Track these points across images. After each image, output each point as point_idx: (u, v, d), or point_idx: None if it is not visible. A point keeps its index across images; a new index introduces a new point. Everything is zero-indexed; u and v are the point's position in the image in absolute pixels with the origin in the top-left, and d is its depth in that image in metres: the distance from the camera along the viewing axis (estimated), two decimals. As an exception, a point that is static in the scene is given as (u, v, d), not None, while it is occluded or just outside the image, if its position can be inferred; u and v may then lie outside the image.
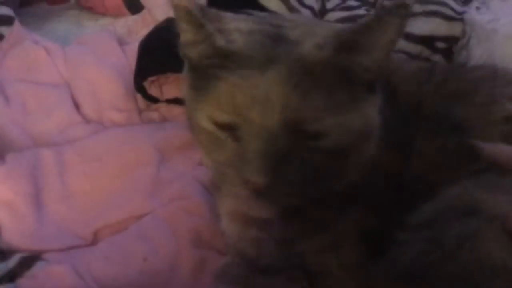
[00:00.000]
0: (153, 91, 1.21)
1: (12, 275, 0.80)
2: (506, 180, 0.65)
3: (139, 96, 1.25)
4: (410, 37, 1.23)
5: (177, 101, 1.18)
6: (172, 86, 1.20)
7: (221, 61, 0.62)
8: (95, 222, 0.94)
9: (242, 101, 0.60)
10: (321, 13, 1.37)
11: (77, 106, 1.23)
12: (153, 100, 1.23)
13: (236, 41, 0.63)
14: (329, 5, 1.38)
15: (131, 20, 1.58)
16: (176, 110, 1.20)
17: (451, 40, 1.21)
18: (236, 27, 0.65)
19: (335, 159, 0.63)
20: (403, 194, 0.72)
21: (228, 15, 0.68)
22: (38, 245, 0.89)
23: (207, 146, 0.67)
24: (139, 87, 1.23)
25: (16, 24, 1.39)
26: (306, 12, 1.32)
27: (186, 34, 0.66)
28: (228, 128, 0.63)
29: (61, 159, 1.04)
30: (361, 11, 1.34)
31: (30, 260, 0.84)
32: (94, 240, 0.93)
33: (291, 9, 1.30)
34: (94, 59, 1.30)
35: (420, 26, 1.22)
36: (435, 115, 0.75)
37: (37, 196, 0.97)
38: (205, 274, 0.86)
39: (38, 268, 0.83)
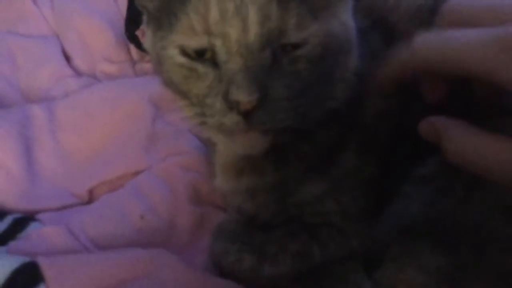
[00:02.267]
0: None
1: (4, 238, 0.78)
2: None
3: (132, 46, 1.20)
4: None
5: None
6: (166, 34, 1.14)
7: None
8: (90, 180, 0.92)
9: (215, 17, 0.56)
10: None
11: (67, 58, 1.19)
12: (146, 50, 1.18)
13: None
14: None
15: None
16: (172, 60, 1.15)
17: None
18: None
19: (320, 67, 0.60)
20: (405, 144, 0.68)
21: None
22: (31, 205, 0.87)
23: (183, 83, 0.61)
24: (132, 36, 1.18)
25: (0, -27, 1.32)
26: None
27: None
28: (203, 55, 0.59)
29: (52, 115, 1.00)
30: None
31: (23, 221, 0.82)
32: (90, 198, 0.91)
33: None
34: (83, 7, 1.24)
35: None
36: None
37: (28, 155, 0.93)
38: (204, 230, 0.84)
39: (31, 230, 0.80)
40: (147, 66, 1.18)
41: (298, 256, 0.73)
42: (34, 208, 0.86)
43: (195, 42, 0.58)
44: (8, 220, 0.82)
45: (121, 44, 1.20)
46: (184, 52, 0.59)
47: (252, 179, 0.72)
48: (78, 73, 1.16)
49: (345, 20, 0.64)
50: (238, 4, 0.56)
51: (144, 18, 0.68)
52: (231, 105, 0.55)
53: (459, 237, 0.56)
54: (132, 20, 1.16)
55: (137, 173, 0.93)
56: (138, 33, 1.15)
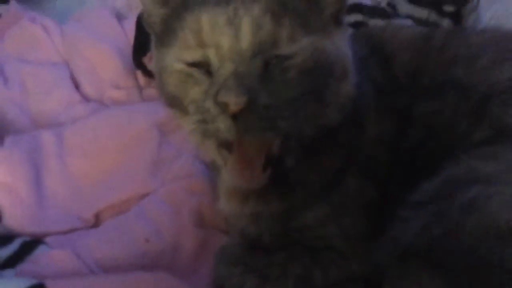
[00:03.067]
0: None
1: (13, 260, 0.80)
2: (505, 148, 0.64)
3: (139, 72, 1.23)
4: (417, 1, 1.19)
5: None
6: (172, 61, 1.17)
7: (181, 11, 0.65)
8: (97, 204, 0.94)
9: (206, 30, 0.61)
10: None
11: (76, 84, 1.22)
12: (153, 76, 1.21)
13: None
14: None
15: (130, -7, 1.54)
16: (177, 85, 1.18)
17: (460, 3, 1.16)
18: None
19: (310, 81, 0.62)
20: (401, 166, 0.71)
21: None
22: (39, 228, 0.89)
23: (180, 89, 0.65)
24: (139, 63, 1.21)
25: (13, 2, 1.36)
26: None
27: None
28: (199, 66, 0.62)
29: (61, 140, 1.03)
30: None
31: (32, 244, 0.84)
32: (96, 222, 0.93)
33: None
34: (92, 35, 1.28)
35: (427, -11, 1.18)
36: (434, 81, 0.73)
37: (37, 179, 0.96)
38: (208, 253, 0.85)
39: (39, 253, 0.82)
40: (154, 91, 1.21)
41: (300, 279, 0.74)
42: (42, 231, 0.89)
43: (190, 56, 0.63)
44: (17, 243, 0.84)
45: (128, 71, 1.23)
46: (182, 61, 0.64)
47: (257, 205, 0.74)
48: (86, 99, 1.19)
49: (340, 45, 0.67)
50: (231, 15, 0.60)
51: (153, 41, 0.72)
52: (221, 108, 0.58)
53: (455, 261, 0.57)
54: (140, 47, 1.19)
55: (142, 196, 0.95)
56: (145, 60, 1.18)
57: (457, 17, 1.17)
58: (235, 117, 0.57)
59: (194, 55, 0.62)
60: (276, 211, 0.73)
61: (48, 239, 0.86)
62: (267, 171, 0.65)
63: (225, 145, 0.65)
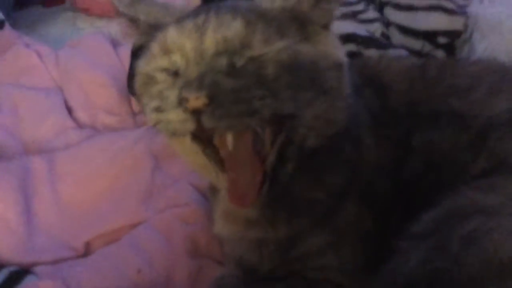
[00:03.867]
0: (147, 93, 1.18)
1: (0, 291, 0.77)
2: (504, 180, 0.64)
3: (133, 99, 1.22)
4: (411, 32, 1.20)
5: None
6: (166, 88, 1.16)
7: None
8: (87, 232, 0.91)
9: (172, 36, 0.63)
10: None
11: (69, 110, 1.21)
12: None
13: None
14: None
15: (125, 21, 1.55)
16: (171, 113, 1.17)
17: (453, 35, 1.18)
18: None
19: (289, 79, 0.61)
20: (400, 197, 0.70)
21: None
22: (27, 257, 0.86)
23: (142, 88, 0.67)
24: (133, 90, 1.20)
25: (7, 27, 1.36)
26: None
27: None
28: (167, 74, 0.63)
29: (53, 166, 1.01)
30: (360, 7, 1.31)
31: (19, 274, 0.81)
32: (86, 251, 0.90)
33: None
34: (86, 62, 1.27)
35: (421, 21, 1.19)
36: (431, 111, 0.73)
37: (28, 207, 0.94)
38: (202, 284, 0.83)
39: (27, 283, 0.80)
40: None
41: None
42: (31, 260, 0.86)
43: (156, 63, 0.64)
44: (4, 273, 0.81)
45: (122, 97, 1.22)
46: (150, 69, 0.65)
47: (262, 230, 0.72)
48: (79, 124, 1.18)
49: (326, 49, 0.67)
50: (200, 23, 0.62)
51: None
52: (183, 103, 0.57)
53: None
54: (134, 74, 1.19)
55: (134, 225, 0.93)
56: (139, 86, 1.17)
57: (450, 49, 1.18)
58: (199, 113, 0.56)
59: (161, 62, 0.64)
60: (282, 236, 0.72)
61: (36, 269, 0.84)
62: (265, 185, 0.63)
63: (219, 163, 0.64)
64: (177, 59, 0.62)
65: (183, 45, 0.62)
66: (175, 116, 0.58)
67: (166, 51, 0.63)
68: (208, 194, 0.87)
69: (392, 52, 1.12)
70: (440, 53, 1.18)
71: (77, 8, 1.89)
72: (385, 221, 0.70)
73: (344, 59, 0.69)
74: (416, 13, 1.21)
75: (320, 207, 0.71)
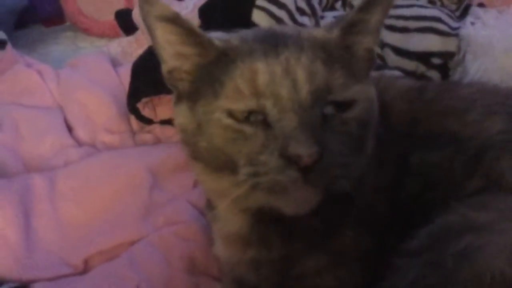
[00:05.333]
0: (146, 112, 1.20)
1: (-2, 308, 0.78)
2: (496, 198, 0.65)
3: (132, 117, 1.24)
4: (405, 54, 1.22)
5: (171, 122, 1.16)
6: (166, 107, 1.18)
7: (224, 60, 0.64)
8: (86, 250, 0.92)
9: (264, 80, 0.60)
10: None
11: (69, 129, 1.22)
12: (146, 121, 1.22)
13: (231, 40, 0.66)
14: (323, 24, 1.37)
15: (125, 41, 1.58)
16: (170, 131, 1.19)
17: (447, 56, 1.20)
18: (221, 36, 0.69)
19: (365, 131, 0.65)
20: (398, 216, 0.71)
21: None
22: (26, 274, 0.87)
23: (230, 146, 0.62)
24: (133, 109, 1.22)
25: (9, 47, 1.38)
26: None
27: (171, 49, 0.67)
28: (250, 117, 0.61)
29: (52, 184, 1.02)
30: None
31: (18, 291, 0.82)
32: (85, 268, 0.91)
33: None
34: (87, 81, 1.29)
35: (415, 43, 1.21)
36: (429, 132, 0.75)
37: (27, 224, 0.94)
38: (199, 301, 0.84)
39: (25, 300, 0.80)
40: (147, 136, 1.22)
41: None
42: (30, 277, 0.87)
43: (243, 105, 0.61)
44: (3, 290, 0.82)
45: (122, 116, 1.24)
46: (230, 115, 0.62)
47: (258, 251, 0.73)
48: (79, 143, 1.19)
49: (372, 94, 0.69)
50: (285, 66, 0.61)
51: (173, 97, 0.71)
52: (290, 161, 0.57)
53: None
54: (134, 93, 1.21)
55: (133, 242, 0.93)
56: (139, 105, 1.19)
57: (444, 69, 1.20)
58: (305, 169, 0.56)
59: (248, 104, 0.61)
60: (276, 257, 0.72)
61: (35, 286, 0.84)
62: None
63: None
64: (268, 105, 0.60)
65: (278, 95, 0.60)
66: (287, 177, 0.57)
67: (257, 94, 0.61)
68: (205, 212, 0.88)
69: (387, 73, 1.14)
70: (434, 74, 1.20)
71: (77, 28, 1.92)
72: (383, 239, 0.71)
73: None
74: (411, 35, 1.23)
75: (314, 233, 0.71)
